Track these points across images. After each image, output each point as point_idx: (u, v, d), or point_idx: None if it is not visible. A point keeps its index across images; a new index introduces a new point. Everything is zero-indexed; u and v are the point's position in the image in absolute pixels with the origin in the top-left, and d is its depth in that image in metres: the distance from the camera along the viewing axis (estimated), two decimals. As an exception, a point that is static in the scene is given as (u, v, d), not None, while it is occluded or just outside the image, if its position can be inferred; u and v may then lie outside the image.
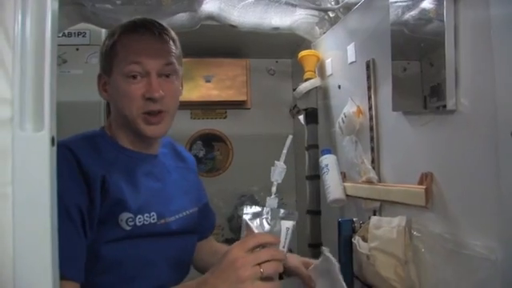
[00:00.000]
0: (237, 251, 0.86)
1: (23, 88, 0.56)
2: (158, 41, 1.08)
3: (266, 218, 0.94)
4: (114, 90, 1.08)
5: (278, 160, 1.00)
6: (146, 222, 1.04)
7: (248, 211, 0.95)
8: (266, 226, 0.94)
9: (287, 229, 0.94)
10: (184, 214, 1.15)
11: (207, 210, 1.33)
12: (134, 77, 1.04)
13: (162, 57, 1.06)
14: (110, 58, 1.08)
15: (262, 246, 0.88)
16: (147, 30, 1.07)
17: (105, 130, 1.14)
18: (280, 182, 0.99)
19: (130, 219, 1.01)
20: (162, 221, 1.07)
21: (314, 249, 1.75)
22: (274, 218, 0.94)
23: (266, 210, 0.95)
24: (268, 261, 0.85)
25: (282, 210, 0.95)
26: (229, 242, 2.05)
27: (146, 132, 1.07)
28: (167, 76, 1.08)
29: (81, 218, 0.96)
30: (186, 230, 1.14)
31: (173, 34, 1.13)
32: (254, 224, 0.94)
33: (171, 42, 1.10)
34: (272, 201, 0.97)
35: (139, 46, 1.05)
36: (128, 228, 1.01)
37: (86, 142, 1.06)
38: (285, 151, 1.02)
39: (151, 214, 1.05)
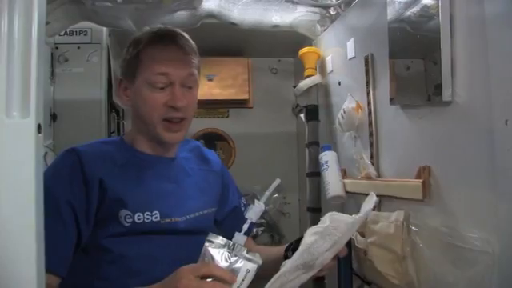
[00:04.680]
0: (185, 273, 0.87)
1: (10, 75, 0.56)
2: (182, 52, 1.13)
3: (229, 252, 0.90)
4: (136, 96, 1.13)
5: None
6: (146, 220, 1.07)
7: (212, 239, 0.92)
8: (223, 261, 0.90)
9: (247, 270, 0.89)
10: (197, 214, 1.18)
11: (237, 214, 1.33)
12: (160, 86, 1.10)
13: (185, 68, 1.12)
14: (134, 65, 1.13)
15: (216, 278, 0.86)
16: (172, 40, 1.13)
17: (122, 137, 1.21)
18: (254, 221, 0.98)
19: (128, 216, 1.06)
20: (168, 220, 1.10)
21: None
22: (237, 256, 0.90)
23: (230, 244, 0.92)
24: None
25: (246, 249, 0.92)
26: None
27: (165, 138, 1.13)
28: (189, 87, 1.14)
29: (72, 214, 1.01)
30: (198, 229, 1.14)
31: (194, 45, 1.18)
32: (212, 252, 0.90)
33: (193, 54, 1.15)
34: (240, 237, 0.95)
35: (165, 57, 1.10)
36: (127, 224, 1.06)
37: (97, 146, 1.14)
38: (267, 193, 1.01)
39: (153, 212, 1.08)
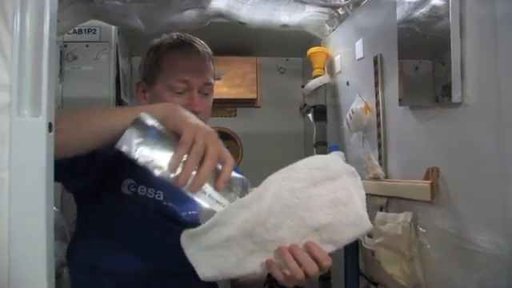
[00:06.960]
0: (207, 132, 0.79)
1: (21, 73, 0.56)
2: (201, 59, 1.18)
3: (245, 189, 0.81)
4: (156, 99, 1.16)
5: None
6: (149, 195, 1.09)
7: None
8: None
9: (213, 211, 0.80)
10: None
11: None
12: (179, 91, 1.14)
13: (204, 76, 1.16)
14: (154, 70, 1.17)
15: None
16: (192, 48, 1.18)
17: None
18: None
19: (132, 185, 1.08)
20: (170, 203, 1.10)
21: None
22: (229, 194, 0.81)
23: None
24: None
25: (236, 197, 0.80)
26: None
27: None
28: (205, 94, 1.18)
29: None
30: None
31: (211, 51, 1.22)
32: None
33: (210, 61, 1.20)
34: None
35: (186, 64, 1.15)
36: (129, 193, 1.07)
37: None
38: None
39: (157, 191, 1.10)
